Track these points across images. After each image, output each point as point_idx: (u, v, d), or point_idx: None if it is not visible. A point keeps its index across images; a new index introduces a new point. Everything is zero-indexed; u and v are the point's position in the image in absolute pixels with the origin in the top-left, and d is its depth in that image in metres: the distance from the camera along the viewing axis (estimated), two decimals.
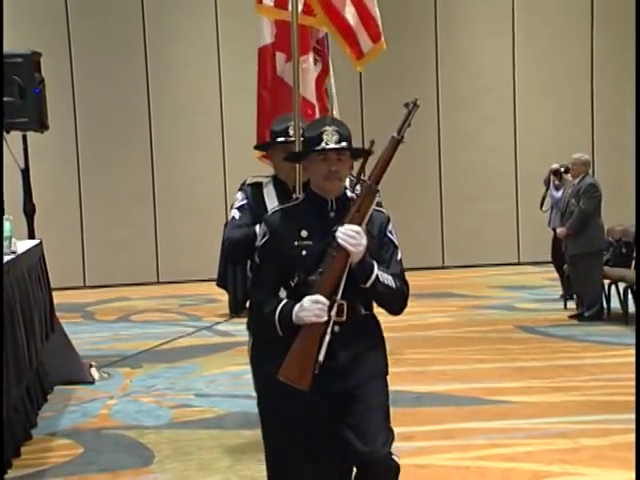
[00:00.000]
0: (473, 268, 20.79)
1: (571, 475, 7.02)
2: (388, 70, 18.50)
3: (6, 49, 13.07)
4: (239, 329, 13.18)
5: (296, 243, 4.44)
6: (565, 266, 14.68)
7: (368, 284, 4.32)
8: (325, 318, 4.24)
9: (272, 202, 5.21)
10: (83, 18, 18.68)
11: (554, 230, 15.59)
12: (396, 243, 4.62)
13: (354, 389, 4.45)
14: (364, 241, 4.26)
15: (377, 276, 4.32)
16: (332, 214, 4.48)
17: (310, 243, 4.42)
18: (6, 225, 9.11)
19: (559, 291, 15.68)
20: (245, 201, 5.32)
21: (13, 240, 9.13)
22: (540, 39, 21.15)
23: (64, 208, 17.35)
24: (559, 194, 15.34)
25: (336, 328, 4.32)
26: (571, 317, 13.97)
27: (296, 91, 5.31)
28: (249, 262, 5.91)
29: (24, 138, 11.55)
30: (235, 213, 5.31)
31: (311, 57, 6.11)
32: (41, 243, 10.82)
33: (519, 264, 21.30)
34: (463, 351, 11.02)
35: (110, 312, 15.92)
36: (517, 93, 20.91)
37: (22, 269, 9.06)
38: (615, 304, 13.90)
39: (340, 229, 4.25)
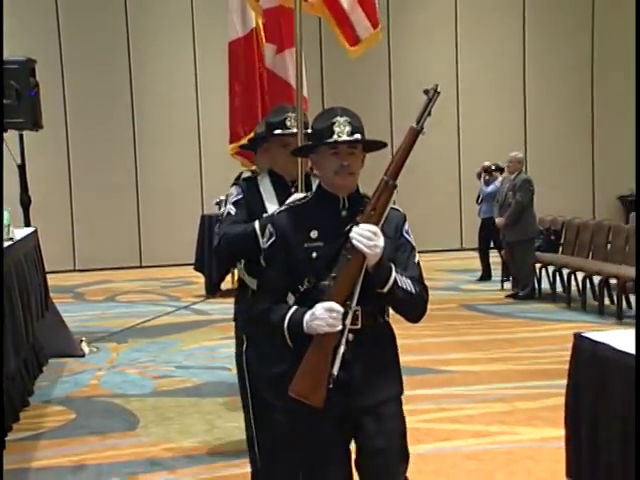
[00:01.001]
0: (422, 254, 20.80)
1: (508, 434, 7.13)
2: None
3: (7, 55, 13.10)
4: (214, 308, 13.48)
5: (306, 245, 3.68)
6: (502, 252, 14.88)
7: (386, 289, 3.57)
8: (339, 327, 3.50)
9: (269, 196, 4.63)
10: (72, 22, 18.66)
11: (482, 220, 15.93)
12: (413, 244, 3.90)
13: (368, 410, 3.70)
14: (381, 242, 3.52)
15: (395, 280, 3.57)
16: (344, 213, 3.72)
17: (321, 244, 3.68)
18: (5, 215, 9.12)
19: (498, 274, 15.84)
20: (241, 196, 4.65)
21: (11, 228, 9.15)
22: (481, 44, 21.09)
23: (56, 199, 17.32)
24: (488, 189, 15.78)
25: (350, 337, 3.59)
26: (507, 297, 14.18)
27: (299, 85, 4.78)
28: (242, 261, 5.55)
29: (20, 137, 11.53)
30: (231, 209, 4.63)
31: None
32: (36, 231, 10.79)
33: (462, 250, 21.37)
34: (414, 327, 10.99)
35: (98, 293, 15.90)
36: (460, 97, 20.90)
37: (19, 254, 9.04)
38: (545, 285, 14.06)
39: (355, 229, 3.53)
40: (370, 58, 15.84)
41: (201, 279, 15.34)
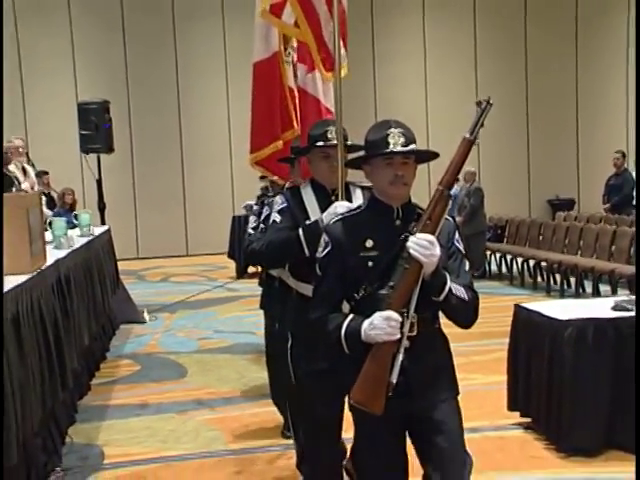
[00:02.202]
0: None
1: (466, 380, 7.08)
2: None
3: (86, 97, 13.17)
4: (242, 287, 13.44)
5: (361, 254, 3.06)
6: None
7: (441, 297, 2.99)
8: (398, 336, 2.91)
9: (311, 205, 3.97)
10: (137, 75, 18.71)
11: None
12: (464, 252, 3.28)
13: (427, 411, 3.09)
14: (438, 251, 2.94)
15: (450, 288, 3.00)
16: (398, 222, 3.10)
17: (376, 254, 3.05)
18: (86, 217, 9.20)
19: None
20: (285, 204, 4.03)
21: (91, 227, 9.21)
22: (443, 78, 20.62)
23: (124, 205, 17.28)
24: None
25: (407, 344, 2.97)
26: None
27: (338, 100, 4.19)
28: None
29: (98, 158, 11.56)
30: (276, 217, 4.03)
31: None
32: (109, 229, 10.84)
33: None
34: None
35: (155, 275, 15.90)
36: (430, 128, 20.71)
37: (97, 246, 9.09)
38: (494, 267, 14.08)
39: (412, 239, 2.94)
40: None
41: (232, 264, 15.26)
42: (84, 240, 8.35)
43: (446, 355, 3.23)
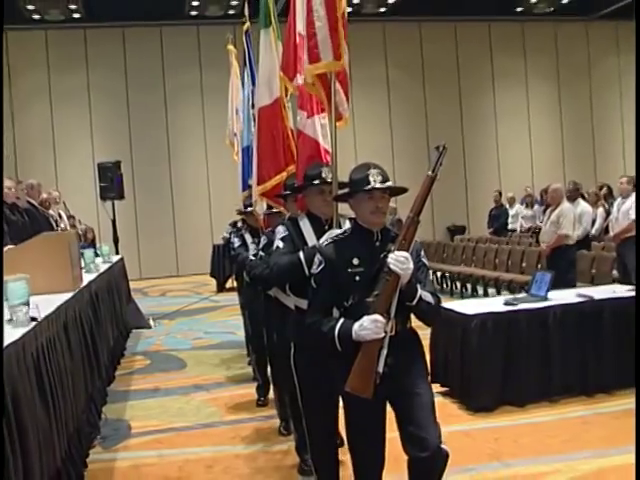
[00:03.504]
0: None
1: None
2: None
3: (101, 157, 13.20)
4: (222, 298, 13.28)
5: (349, 270, 2.98)
6: None
7: (414, 302, 2.93)
8: (383, 335, 2.85)
9: (308, 233, 3.74)
10: (138, 139, 18.64)
11: None
12: (428, 265, 3.22)
13: (409, 388, 2.99)
14: (411, 265, 2.88)
15: (420, 295, 2.94)
16: (378, 243, 3.03)
17: (362, 270, 2.97)
18: (107, 248, 9.22)
19: None
20: (286, 233, 3.79)
21: (110, 255, 9.21)
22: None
23: (129, 237, 17.07)
24: None
25: (387, 341, 2.90)
26: None
27: (334, 144, 3.86)
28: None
29: (112, 204, 11.58)
30: (279, 243, 3.76)
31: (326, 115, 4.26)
32: (122, 257, 10.85)
33: None
34: None
35: (155, 291, 15.73)
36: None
37: (115, 270, 9.09)
38: None
39: (391, 255, 2.88)
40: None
41: (213, 281, 15.15)
42: (106, 266, 8.35)
43: (418, 347, 3.13)
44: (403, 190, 3.09)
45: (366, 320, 2.83)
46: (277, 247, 3.74)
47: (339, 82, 3.87)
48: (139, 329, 10.29)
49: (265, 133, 4.87)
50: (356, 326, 2.85)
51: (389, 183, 3.02)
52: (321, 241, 3.31)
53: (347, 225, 3.57)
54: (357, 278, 2.97)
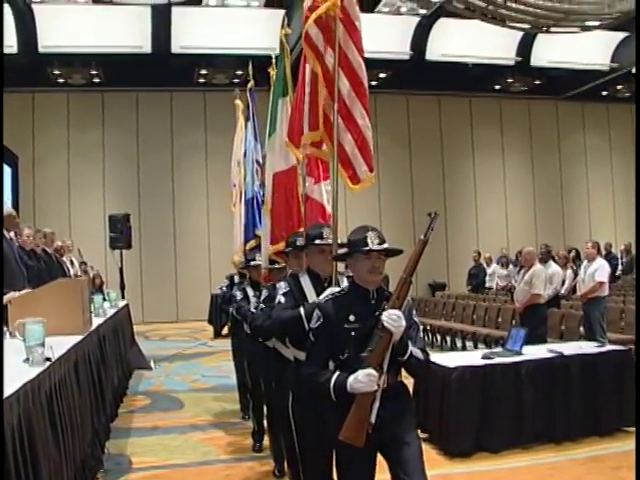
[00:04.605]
0: None
1: None
2: None
3: (111, 210, 13.28)
4: (219, 344, 13.14)
5: (346, 326, 2.93)
6: None
7: (405, 357, 2.90)
8: (375, 387, 2.80)
9: (308, 289, 3.67)
10: (146, 193, 18.74)
11: None
12: (419, 323, 3.15)
13: (399, 437, 2.94)
14: (404, 323, 2.85)
15: (411, 351, 2.91)
16: (373, 301, 2.99)
17: (358, 326, 2.93)
18: (114, 294, 9.21)
19: None
20: (288, 289, 3.70)
21: (117, 301, 9.20)
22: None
23: (135, 284, 16.93)
24: None
25: (379, 394, 2.85)
26: None
27: (335, 207, 3.78)
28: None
29: (121, 253, 11.61)
30: (281, 298, 3.67)
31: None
32: (128, 303, 10.82)
33: None
34: None
35: (156, 335, 15.62)
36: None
37: (120, 314, 9.07)
38: None
39: (385, 314, 2.84)
40: None
41: (210, 328, 15.10)
42: (113, 311, 8.33)
43: (408, 399, 3.10)
44: (399, 252, 3.06)
45: (360, 374, 2.80)
46: (279, 302, 3.67)
47: (357, 147, 3.81)
48: (141, 370, 10.20)
49: (280, 197, 4.80)
50: (351, 379, 2.82)
51: (386, 245, 3.01)
52: (320, 297, 3.25)
53: (345, 283, 3.55)
54: (353, 333, 2.94)
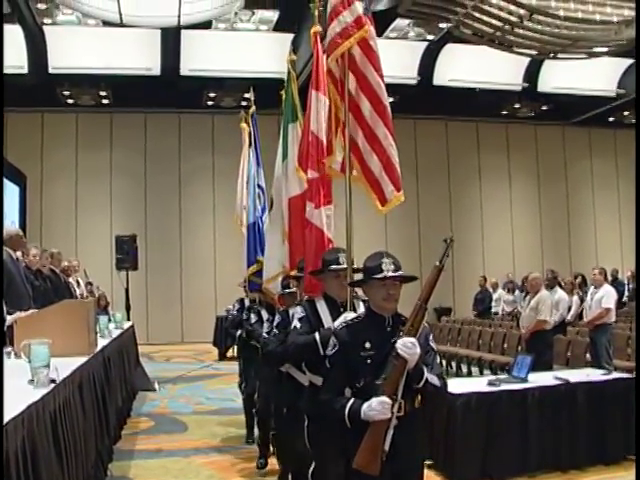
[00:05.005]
0: None
1: None
2: None
3: (117, 232, 13.31)
4: (224, 366, 13.08)
5: (362, 353, 2.91)
6: None
7: (420, 385, 2.85)
8: (389, 415, 2.77)
9: (324, 313, 3.65)
10: (154, 214, 18.84)
11: None
12: (436, 349, 3.12)
13: (412, 466, 2.96)
14: (418, 350, 2.81)
15: (426, 378, 2.86)
16: (389, 328, 2.96)
17: (373, 353, 2.90)
18: (120, 315, 9.21)
19: None
20: (304, 314, 3.68)
21: (122, 322, 9.20)
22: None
23: (140, 305, 16.91)
24: None
25: (395, 421, 2.82)
26: None
27: (349, 234, 3.80)
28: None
29: (127, 274, 11.62)
30: (297, 323, 3.66)
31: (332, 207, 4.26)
32: (133, 324, 10.81)
33: None
34: None
35: (161, 357, 15.58)
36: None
37: (125, 336, 9.05)
38: None
39: (399, 341, 2.81)
40: None
41: (215, 350, 15.08)
42: (118, 332, 8.31)
43: (422, 428, 3.07)
44: (413, 278, 3.02)
45: (374, 401, 2.78)
46: (295, 327, 3.66)
47: (383, 168, 3.84)
48: (145, 391, 10.16)
49: (296, 221, 4.78)
50: (365, 406, 2.80)
51: (401, 272, 2.99)
52: (336, 324, 3.22)
53: (361, 308, 3.54)
54: (368, 361, 2.92)
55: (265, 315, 5.71)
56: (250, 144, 7.22)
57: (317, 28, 4.54)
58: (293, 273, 4.62)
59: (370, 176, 3.83)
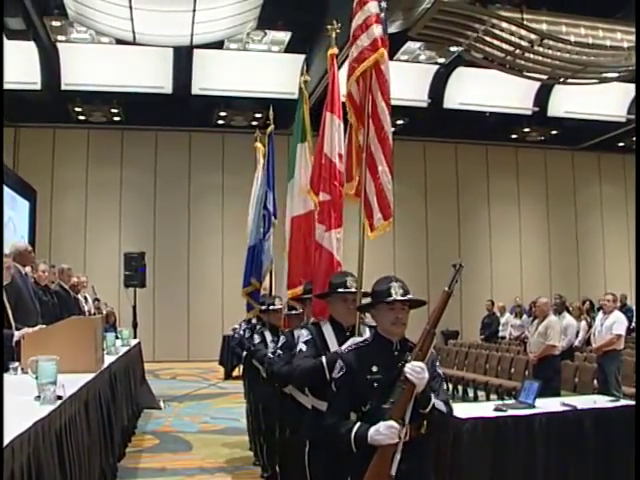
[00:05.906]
0: None
1: None
2: None
3: (128, 249, 13.30)
4: (229, 385, 13.08)
5: (368, 377, 2.88)
6: None
7: (427, 410, 2.82)
8: (397, 440, 2.74)
9: (330, 337, 3.60)
10: (163, 232, 18.91)
11: None
12: (442, 375, 3.12)
13: None
14: (427, 375, 2.79)
15: (434, 404, 2.84)
16: (396, 353, 2.94)
17: (380, 377, 2.88)
18: (127, 332, 9.20)
19: None
20: (310, 337, 3.62)
21: (129, 339, 9.19)
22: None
23: (147, 322, 16.77)
24: None
25: (401, 446, 2.78)
26: None
27: (361, 257, 3.75)
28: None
29: (134, 291, 11.63)
30: (302, 346, 3.60)
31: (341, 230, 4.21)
32: (140, 341, 10.82)
33: None
34: None
35: (166, 374, 15.54)
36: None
37: (132, 353, 9.04)
38: None
39: (408, 365, 2.79)
40: None
41: (221, 369, 15.07)
42: (125, 349, 8.31)
43: (429, 453, 3.08)
44: (422, 302, 3.01)
45: (382, 426, 2.75)
46: (300, 350, 3.61)
47: (376, 195, 3.83)
48: (150, 409, 10.12)
49: (297, 241, 4.76)
50: (372, 431, 2.77)
51: (409, 296, 2.98)
52: (343, 347, 3.21)
53: (367, 333, 3.51)
54: (375, 385, 2.89)
55: (269, 337, 5.69)
56: (264, 165, 7.23)
57: (334, 50, 4.54)
58: (298, 294, 4.57)
59: (366, 201, 3.85)
